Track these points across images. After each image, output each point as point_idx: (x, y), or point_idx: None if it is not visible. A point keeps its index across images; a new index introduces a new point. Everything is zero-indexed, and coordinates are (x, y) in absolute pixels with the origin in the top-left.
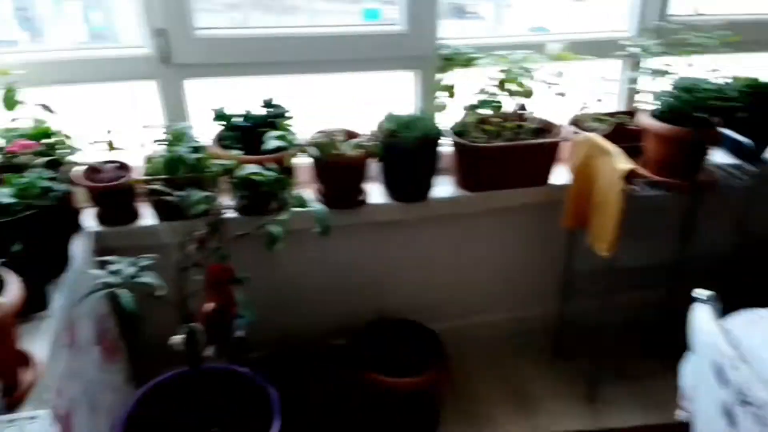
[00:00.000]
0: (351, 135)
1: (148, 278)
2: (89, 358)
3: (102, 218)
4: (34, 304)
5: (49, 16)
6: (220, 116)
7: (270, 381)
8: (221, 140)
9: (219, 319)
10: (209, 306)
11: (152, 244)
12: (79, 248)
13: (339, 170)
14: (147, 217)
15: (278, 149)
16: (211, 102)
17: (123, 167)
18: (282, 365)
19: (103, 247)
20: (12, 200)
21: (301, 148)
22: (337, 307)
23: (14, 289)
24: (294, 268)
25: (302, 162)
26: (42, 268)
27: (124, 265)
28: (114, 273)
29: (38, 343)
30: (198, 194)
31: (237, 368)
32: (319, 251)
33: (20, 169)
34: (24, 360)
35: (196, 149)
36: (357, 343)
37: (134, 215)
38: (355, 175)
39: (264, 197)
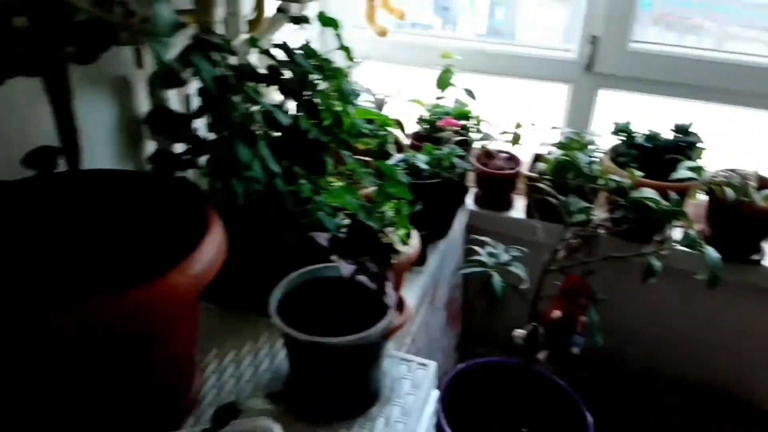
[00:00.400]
0: (765, 183)
1: (517, 269)
2: (438, 318)
3: (479, 200)
4: (417, 259)
5: (462, 6)
6: (622, 131)
7: (587, 407)
8: (617, 155)
9: (561, 329)
10: (557, 313)
11: (518, 236)
12: (458, 221)
13: (741, 218)
14: (518, 210)
15: (685, 180)
16: (612, 114)
17: (512, 159)
18: (603, 397)
19: (472, 226)
20: (425, 167)
21: (711, 185)
22: (677, 364)
23: (415, 242)
24: (650, 306)
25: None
26: (430, 230)
27: (500, 251)
28: (491, 255)
29: (411, 292)
30: (579, 203)
31: (559, 381)
32: (685, 296)
33: (437, 141)
34: (400, 304)
35: (592, 160)
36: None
37: (508, 205)
38: (759, 228)
39: (650, 226)
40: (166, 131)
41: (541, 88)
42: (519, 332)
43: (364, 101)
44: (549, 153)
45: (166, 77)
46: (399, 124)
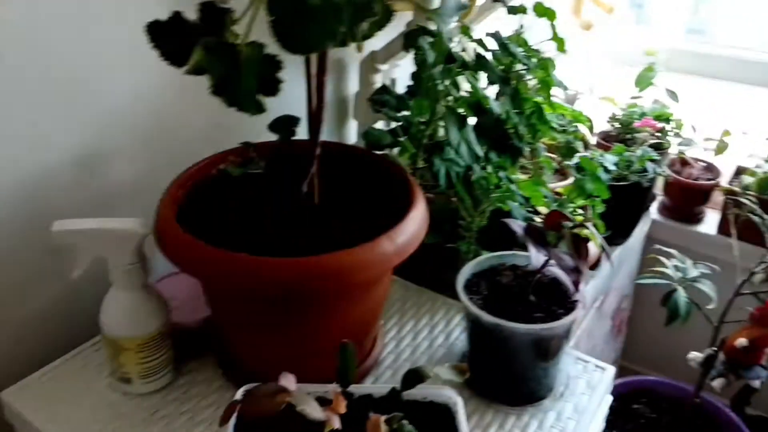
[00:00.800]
0: None
1: (706, 287)
2: (603, 327)
3: (666, 209)
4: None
5: (658, 4)
6: None
7: None
8: None
9: (742, 358)
10: (742, 341)
11: (705, 253)
12: (639, 229)
13: None
14: (708, 225)
15: None
16: None
17: (710, 169)
18: None
19: (653, 236)
20: (612, 167)
21: None
22: None
23: (599, 243)
24: None
25: None
26: (610, 234)
27: (688, 265)
28: (677, 269)
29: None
30: None
31: (731, 414)
32: None
33: (627, 142)
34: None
35: None
36: None
37: (698, 218)
38: None
39: None
40: (386, 109)
41: (752, 95)
42: (696, 355)
43: (554, 95)
44: (757, 166)
45: (446, 57)
46: (590, 122)
